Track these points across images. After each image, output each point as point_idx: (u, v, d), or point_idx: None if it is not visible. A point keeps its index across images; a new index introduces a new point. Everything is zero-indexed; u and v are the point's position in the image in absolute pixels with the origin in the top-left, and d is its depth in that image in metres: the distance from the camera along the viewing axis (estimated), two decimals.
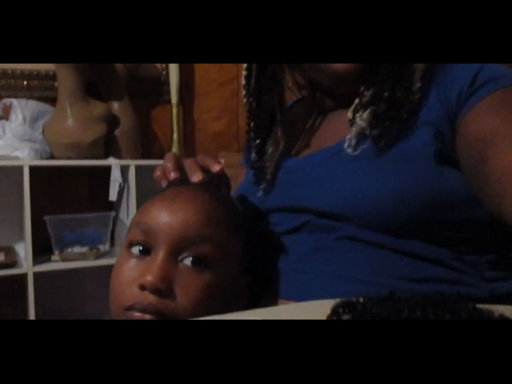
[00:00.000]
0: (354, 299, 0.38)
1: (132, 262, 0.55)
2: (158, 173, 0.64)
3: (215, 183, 0.62)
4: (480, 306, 0.37)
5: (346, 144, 0.61)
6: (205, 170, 0.63)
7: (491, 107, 0.58)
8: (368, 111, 0.61)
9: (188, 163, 0.64)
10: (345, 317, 0.37)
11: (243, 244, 0.59)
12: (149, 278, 0.51)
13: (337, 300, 0.39)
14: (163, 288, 0.51)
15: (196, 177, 0.62)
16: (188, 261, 0.53)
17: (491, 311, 0.35)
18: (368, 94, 0.62)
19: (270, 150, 0.72)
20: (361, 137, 0.61)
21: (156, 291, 0.51)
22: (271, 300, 0.60)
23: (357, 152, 0.60)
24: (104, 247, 1.70)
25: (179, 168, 0.63)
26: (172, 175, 0.62)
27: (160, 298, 0.51)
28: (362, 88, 0.63)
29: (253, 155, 0.73)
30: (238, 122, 2.13)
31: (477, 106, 0.58)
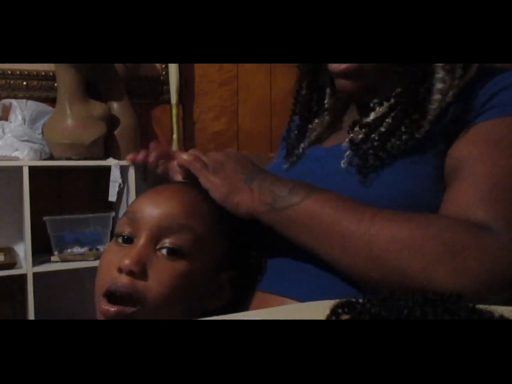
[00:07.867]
0: (354, 299, 0.38)
1: (116, 249, 0.58)
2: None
3: None
4: (480, 306, 0.37)
5: (343, 161, 0.63)
6: None
7: (476, 135, 0.57)
8: (363, 131, 0.63)
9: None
10: (345, 317, 0.37)
11: (228, 241, 0.61)
12: (126, 261, 0.54)
13: (337, 300, 0.39)
14: (137, 271, 0.54)
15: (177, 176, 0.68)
16: (164, 250, 0.57)
17: (491, 311, 0.35)
18: (369, 116, 0.63)
19: (308, 132, 0.74)
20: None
21: (130, 273, 0.54)
22: (262, 295, 0.60)
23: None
24: (103, 248, 1.70)
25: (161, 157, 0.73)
26: (140, 156, 0.74)
27: (133, 279, 0.55)
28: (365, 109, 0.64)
29: (295, 133, 0.76)
30: (237, 122, 2.13)
31: (477, 126, 0.58)
